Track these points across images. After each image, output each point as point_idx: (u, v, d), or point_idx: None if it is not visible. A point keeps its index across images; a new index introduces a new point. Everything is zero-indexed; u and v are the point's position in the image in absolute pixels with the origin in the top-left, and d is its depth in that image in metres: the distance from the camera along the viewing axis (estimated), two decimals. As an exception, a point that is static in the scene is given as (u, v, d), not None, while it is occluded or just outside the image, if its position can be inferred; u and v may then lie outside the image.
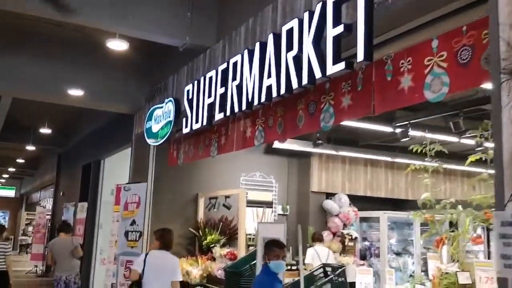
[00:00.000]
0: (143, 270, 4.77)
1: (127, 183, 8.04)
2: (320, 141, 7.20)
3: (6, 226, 27.44)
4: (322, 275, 4.48)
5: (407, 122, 6.50)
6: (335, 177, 9.07)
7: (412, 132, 6.62)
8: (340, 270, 4.22)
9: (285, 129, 4.66)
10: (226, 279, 5.70)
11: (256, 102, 4.53)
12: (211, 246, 7.57)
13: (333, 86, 4.00)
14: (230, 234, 7.81)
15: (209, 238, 7.66)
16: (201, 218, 8.00)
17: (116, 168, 10.92)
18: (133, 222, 7.41)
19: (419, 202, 5.69)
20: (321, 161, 8.95)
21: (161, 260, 4.87)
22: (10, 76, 6.98)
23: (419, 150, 5.65)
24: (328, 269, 4.49)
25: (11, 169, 22.24)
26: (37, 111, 11.95)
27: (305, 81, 3.83)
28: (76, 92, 7.16)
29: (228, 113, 5.05)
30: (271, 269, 3.64)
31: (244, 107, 4.75)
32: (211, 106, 5.43)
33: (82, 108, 11.85)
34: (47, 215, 16.05)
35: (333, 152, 8.66)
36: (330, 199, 8.90)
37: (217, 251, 7.36)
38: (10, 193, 28.41)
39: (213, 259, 7.45)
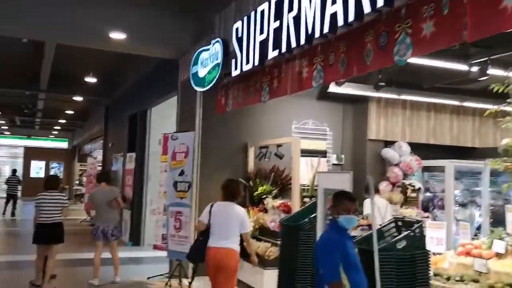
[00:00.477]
0: (209, 221, 4.76)
1: (174, 132, 7.76)
2: (382, 83, 6.53)
3: (61, 177, 28.93)
4: (394, 230, 4.02)
5: (486, 58, 5.71)
6: (394, 124, 8.40)
7: (491, 71, 5.83)
8: (417, 225, 3.72)
9: (349, 66, 4.09)
10: (282, 232, 5.36)
11: (317, 34, 3.96)
12: (262, 197, 7.27)
13: (411, 11, 3.36)
14: (282, 185, 7.46)
15: (260, 189, 7.34)
16: (251, 168, 7.65)
17: (163, 117, 10.71)
18: (182, 173, 7.15)
19: (500, 149, 5.06)
20: (379, 106, 8.28)
21: (226, 211, 4.80)
22: (50, 21, 6.67)
23: (500, 90, 4.96)
24: (400, 223, 4.01)
25: (62, 121, 22.70)
26: (82, 61, 11.76)
27: (380, 3, 3.22)
28: (118, 36, 6.79)
29: (283, 49, 4.52)
30: (341, 225, 3.19)
31: (302, 41, 4.19)
32: (264, 43, 4.89)
33: (127, 57, 11.57)
34: (98, 165, 16.32)
35: (394, 96, 7.96)
36: (389, 147, 8.30)
37: (269, 202, 7.05)
38: (63, 144, 29.31)
39: (265, 210, 7.15)
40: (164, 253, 7.65)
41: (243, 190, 5.26)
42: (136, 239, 10.93)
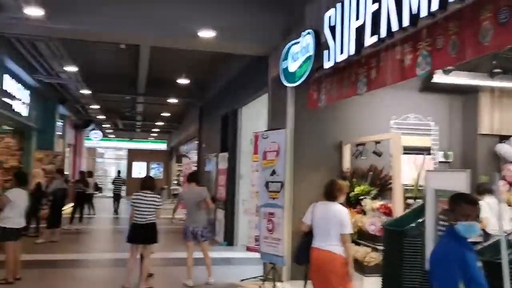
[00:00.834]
0: (312, 221, 4.73)
1: (265, 131, 7.55)
2: (498, 70, 5.76)
3: (162, 177, 30.39)
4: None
5: None
6: (511, 116, 7.46)
7: None
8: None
9: (462, 49, 3.56)
10: (385, 238, 4.90)
11: (423, 13, 3.48)
12: (359, 198, 6.79)
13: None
14: (381, 185, 6.92)
15: (357, 189, 6.87)
16: (347, 167, 7.21)
17: (254, 116, 10.61)
18: (273, 172, 6.92)
19: None
20: (493, 97, 7.39)
21: (326, 211, 4.64)
22: (143, 24, 6.80)
23: None
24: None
25: (159, 123, 23.79)
26: (175, 63, 12.09)
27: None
28: (207, 34, 6.73)
29: (383, 34, 4.07)
30: (459, 233, 2.71)
31: (405, 23, 3.72)
32: (360, 30, 4.48)
33: (218, 57, 11.71)
34: (193, 166, 16.75)
35: (510, 85, 7.05)
36: (505, 142, 7.38)
37: (368, 203, 6.56)
38: (163, 146, 30.82)
39: (363, 212, 6.67)
40: (258, 254, 7.48)
41: (346, 190, 4.94)
42: (230, 239, 10.95)
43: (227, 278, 7.62)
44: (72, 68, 10.36)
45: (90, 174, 18.39)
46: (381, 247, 5.52)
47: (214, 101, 14.36)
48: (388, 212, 6.15)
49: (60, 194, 11.00)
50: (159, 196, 6.88)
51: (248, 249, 8.15)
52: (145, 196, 6.67)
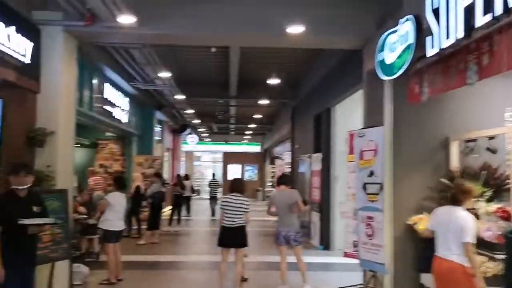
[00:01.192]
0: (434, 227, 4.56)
1: (360, 129, 7.12)
2: None
3: (256, 179, 30.75)
4: None
5: None
6: None
7: None
8: None
9: None
10: (507, 247, 4.30)
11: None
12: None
13: None
14: (496, 186, 6.16)
15: (468, 191, 6.18)
16: (456, 165, 6.53)
17: (348, 114, 10.19)
18: (371, 173, 6.47)
19: None
20: None
21: (447, 216, 4.37)
22: (232, 24, 6.75)
23: None
24: None
25: (252, 126, 24.00)
26: (265, 63, 12.05)
27: None
28: (296, 29, 6.48)
29: (498, 11, 3.53)
30: None
31: (528, -6, 3.17)
32: (469, 9, 3.95)
33: (308, 55, 11.45)
34: (287, 167, 16.60)
35: None
36: None
37: (482, 207, 5.85)
38: (256, 148, 31.19)
39: (476, 216, 5.98)
40: (356, 261, 7.07)
41: (474, 193, 4.51)
42: (326, 243, 10.60)
43: (323, 285, 7.32)
44: (165, 74, 10.71)
45: (187, 177, 19.01)
46: (499, 256, 4.88)
47: (306, 101, 14.10)
48: (506, 216, 5.42)
49: (158, 197, 11.42)
50: (247, 199, 6.74)
51: (346, 255, 7.76)
52: (234, 199, 6.59)
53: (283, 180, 7.34)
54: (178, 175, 16.44)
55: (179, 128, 22.44)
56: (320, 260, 9.30)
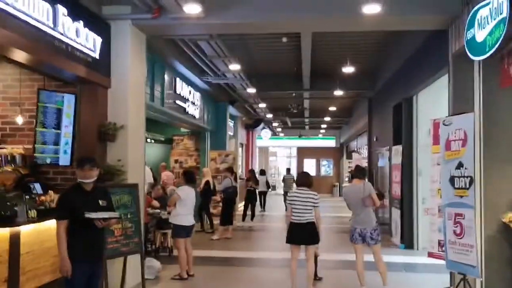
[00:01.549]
0: None
1: (446, 117, 6.49)
2: None
3: (332, 174, 30.09)
4: None
5: None
6: None
7: None
8: None
9: None
10: None
11: None
12: None
13: None
14: None
15: None
16: (560, 156, 5.74)
17: (431, 103, 9.47)
18: (460, 165, 5.84)
19: None
20: None
21: None
22: (303, 8, 6.41)
23: None
24: None
25: (327, 119, 23.37)
26: (339, 51, 11.55)
27: None
28: (372, 9, 6.00)
29: None
30: None
31: None
32: None
33: (385, 41, 10.81)
34: (364, 161, 15.96)
35: None
36: None
37: None
38: (331, 142, 30.48)
39: None
40: (443, 262, 6.48)
41: None
42: (409, 242, 9.94)
43: (405, 287, 6.78)
44: (235, 67, 10.52)
45: (263, 172, 19.01)
46: None
47: (384, 90, 13.42)
48: None
49: (231, 192, 11.37)
50: (315, 193, 6.40)
51: (430, 255, 7.13)
52: (301, 193, 6.31)
53: (356, 173, 6.87)
54: (251, 170, 16.34)
55: (253, 123, 22.43)
56: (402, 260, 8.72)
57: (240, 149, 21.21)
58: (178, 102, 10.65)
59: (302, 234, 6.29)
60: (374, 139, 14.86)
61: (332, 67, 12.64)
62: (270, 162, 34.78)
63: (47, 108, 5.92)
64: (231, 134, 18.04)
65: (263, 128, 25.81)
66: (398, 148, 10.55)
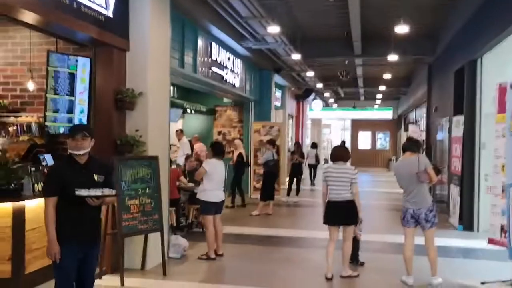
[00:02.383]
0: None
1: (515, 79, 5.55)
2: None
3: (388, 148, 28.79)
4: None
5: None
6: None
7: None
8: None
9: None
10: None
11: None
12: None
13: None
14: None
15: None
16: None
17: (497, 66, 8.43)
18: (530, 137, 4.95)
19: None
20: None
21: None
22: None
23: None
24: None
25: (383, 89, 21.97)
26: (394, 13, 10.50)
27: None
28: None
29: None
30: None
31: None
32: None
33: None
34: (422, 133, 14.85)
35: None
36: None
37: None
38: (388, 114, 28.95)
39: None
40: (505, 249, 5.64)
41: None
42: (468, 223, 9.02)
43: (461, 276, 6.00)
44: (274, 29, 9.61)
45: (314, 145, 18.44)
46: None
47: (445, 55, 12.28)
48: None
49: (272, 165, 10.79)
50: (353, 168, 5.76)
51: (491, 241, 6.29)
52: (337, 169, 5.70)
53: (409, 145, 5.99)
54: (297, 142, 15.56)
55: (303, 93, 21.59)
56: (458, 244, 7.86)
57: (289, 121, 20.52)
58: (214, 69, 10.09)
59: (339, 213, 5.73)
60: (434, 110, 13.74)
61: (385, 29, 11.58)
62: (322, 135, 33.82)
63: (58, 73, 5.52)
64: (278, 104, 17.36)
65: (314, 98, 24.89)
66: (459, 119, 9.53)
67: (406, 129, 26.55)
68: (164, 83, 6.55)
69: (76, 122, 5.59)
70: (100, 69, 5.83)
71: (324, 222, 5.90)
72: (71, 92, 5.65)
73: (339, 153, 5.84)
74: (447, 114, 11.19)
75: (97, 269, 4.92)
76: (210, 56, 9.79)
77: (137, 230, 5.59)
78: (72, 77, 5.65)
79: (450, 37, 11.08)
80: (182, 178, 8.19)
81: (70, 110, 5.65)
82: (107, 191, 3.63)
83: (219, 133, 14.58)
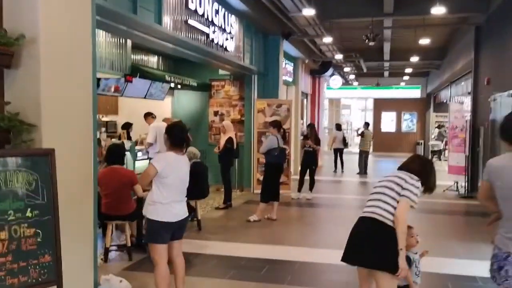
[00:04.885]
0: None
1: None
2: None
3: (415, 130, 25.91)
4: None
5: None
6: None
7: None
8: None
9: None
10: None
11: None
12: None
13: None
14: None
15: None
16: None
17: None
18: None
19: None
20: None
21: None
22: None
23: None
24: None
25: (413, 59, 18.72)
26: None
27: None
28: None
29: None
30: None
31: None
32: None
33: None
34: (465, 114, 12.06)
35: None
36: None
37: None
38: (415, 92, 25.99)
39: None
40: None
41: None
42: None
43: None
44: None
45: (339, 127, 16.73)
46: None
47: (501, 13, 9.53)
48: None
49: (276, 155, 8.16)
50: (412, 176, 3.16)
51: None
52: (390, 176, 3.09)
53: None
54: (310, 124, 12.60)
55: (319, 67, 18.75)
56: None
57: (304, 100, 17.80)
58: (192, 22, 7.41)
59: (357, 242, 3.30)
60: (485, 82, 10.96)
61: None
62: (341, 117, 30.99)
63: None
64: (290, 79, 14.65)
65: (333, 74, 22.02)
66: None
67: (436, 109, 23.67)
68: (80, 26, 3.95)
69: None
70: None
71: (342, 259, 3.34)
72: None
73: (410, 165, 3.29)
74: (506, 86, 8.70)
75: None
76: (186, 4, 7.13)
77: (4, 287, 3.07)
78: None
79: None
80: (137, 186, 5.59)
81: None
82: None
83: (216, 113, 11.93)
